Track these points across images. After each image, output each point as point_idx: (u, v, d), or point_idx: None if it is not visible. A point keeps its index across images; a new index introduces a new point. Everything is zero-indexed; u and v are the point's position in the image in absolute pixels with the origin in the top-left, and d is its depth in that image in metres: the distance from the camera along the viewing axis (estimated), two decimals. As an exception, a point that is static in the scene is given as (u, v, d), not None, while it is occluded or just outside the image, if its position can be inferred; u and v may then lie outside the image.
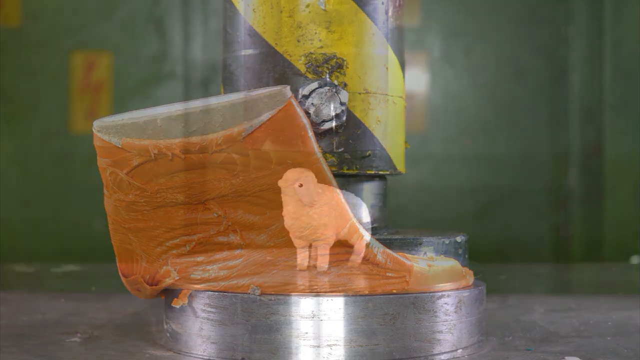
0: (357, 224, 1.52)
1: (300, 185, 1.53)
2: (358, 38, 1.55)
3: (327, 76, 1.54)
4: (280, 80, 1.54)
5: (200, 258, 1.50)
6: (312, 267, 1.60)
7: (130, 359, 1.50)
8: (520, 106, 3.23)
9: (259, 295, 1.46)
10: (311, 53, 1.54)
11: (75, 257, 3.05)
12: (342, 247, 1.50)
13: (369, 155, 1.59)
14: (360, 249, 1.59)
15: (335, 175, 1.52)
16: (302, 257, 1.63)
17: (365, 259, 1.50)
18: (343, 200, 1.55)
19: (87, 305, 1.90)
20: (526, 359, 1.49)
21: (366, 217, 1.65)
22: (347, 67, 1.55)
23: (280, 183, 1.53)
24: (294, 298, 1.46)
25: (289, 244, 1.49)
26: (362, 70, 1.56)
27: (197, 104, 1.45)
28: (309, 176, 1.52)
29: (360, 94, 1.57)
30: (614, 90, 3.20)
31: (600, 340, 1.61)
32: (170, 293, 1.54)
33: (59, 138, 3.18)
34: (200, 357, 1.50)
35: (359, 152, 1.58)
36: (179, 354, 1.52)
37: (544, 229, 3.25)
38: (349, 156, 1.57)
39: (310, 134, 1.44)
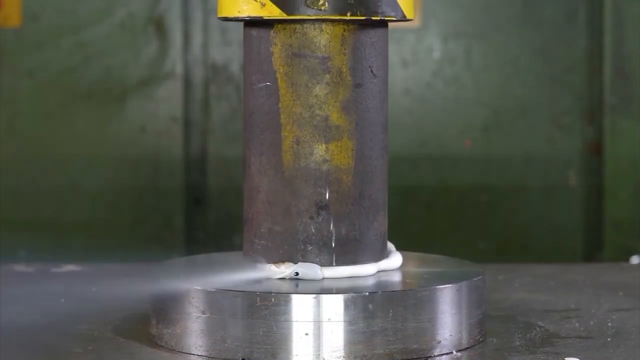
0: None
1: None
2: None
3: None
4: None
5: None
6: None
7: (131, 360, 1.50)
8: (520, 106, 3.22)
9: None
10: None
11: (75, 257, 3.05)
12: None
13: None
14: None
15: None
16: None
17: None
18: None
19: (87, 305, 1.90)
20: (526, 359, 1.49)
21: None
22: None
23: None
24: (294, 298, 1.45)
25: None
26: None
27: None
28: None
29: None
30: (614, 90, 3.20)
31: (600, 341, 1.61)
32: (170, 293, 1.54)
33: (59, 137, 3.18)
34: (200, 357, 1.50)
35: None
36: (179, 354, 1.52)
37: (544, 229, 3.25)
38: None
39: None
